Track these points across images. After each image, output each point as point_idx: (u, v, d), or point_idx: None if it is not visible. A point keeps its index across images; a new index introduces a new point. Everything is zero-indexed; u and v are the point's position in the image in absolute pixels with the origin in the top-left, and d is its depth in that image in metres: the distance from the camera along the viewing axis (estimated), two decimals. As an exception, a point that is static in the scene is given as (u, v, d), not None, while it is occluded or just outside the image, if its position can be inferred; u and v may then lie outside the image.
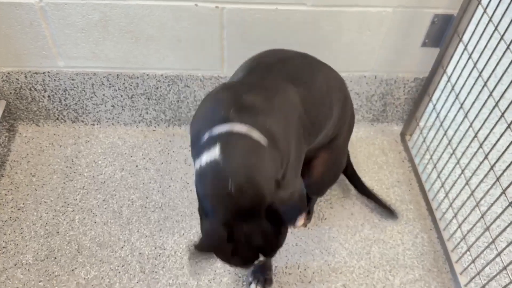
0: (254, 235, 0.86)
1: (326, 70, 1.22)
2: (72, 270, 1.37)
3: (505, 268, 1.17)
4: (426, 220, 1.56)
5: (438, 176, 1.51)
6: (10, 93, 1.63)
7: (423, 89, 1.59)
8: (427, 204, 1.58)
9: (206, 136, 0.89)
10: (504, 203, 1.16)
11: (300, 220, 1.23)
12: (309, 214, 1.52)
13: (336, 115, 1.23)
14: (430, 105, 1.62)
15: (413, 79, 1.65)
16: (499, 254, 1.19)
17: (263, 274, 1.36)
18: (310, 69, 1.16)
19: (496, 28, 1.19)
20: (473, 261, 1.31)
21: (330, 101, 1.18)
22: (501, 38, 1.16)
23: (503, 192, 1.16)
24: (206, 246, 0.88)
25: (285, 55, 1.18)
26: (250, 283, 1.35)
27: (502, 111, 1.15)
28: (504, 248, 1.18)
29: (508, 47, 1.12)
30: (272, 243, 0.90)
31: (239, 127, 0.88)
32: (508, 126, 1.11)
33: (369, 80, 1.65)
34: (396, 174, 1.69)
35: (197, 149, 0.91)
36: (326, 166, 1.36)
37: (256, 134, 0.89)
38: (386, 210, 1.56)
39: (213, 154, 0.85)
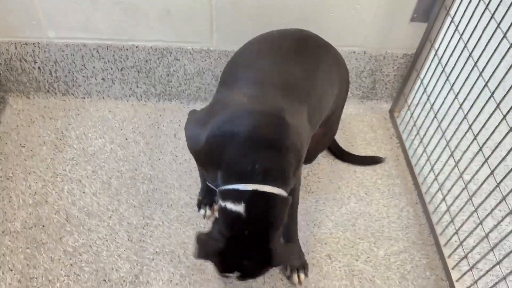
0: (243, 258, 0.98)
1: (329, 51, 1.26)
2: (60, 238, 1.38)
3: (486, 237, 1.19)
4: (412, 194, 1.58)
5: (424, 151, 1.53)
6: (0, 64, 1.63)
7: (412, 65, 1.60)
8: (413, 178, 1.59)
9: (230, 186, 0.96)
10: (487, 171, 1.17)
11: (301, 276, 1.31)
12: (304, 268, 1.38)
13: (337, 95, 1.27)
14: (419, 81, 1.63)
15: (402, 55, 1.66)
16: (480, 223, 1.21)
17: (299, 258, 1.33)
18: (314, 56, 1.18)
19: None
20: (456, 232, 1.33)
21: (332, 84, 1.22)
22: (492, 16, 1.17)
23: (485, 161, 1.17)
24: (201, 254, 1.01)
25: (282, 43, 1.20)
26: (289, 277, 1.32)
27: (491, 90, 1.17)
28: (484, 218, 1.20)
29: (494, 19, 1.13)
30: (252, 272, 1.02)
31: (265, 188, 0.94)
32: (498, 106, 1.12)
33: (358, 56, 1.66)
34: (384, 150, 1.71)
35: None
36: (319, 140, 1.39)
37: (277, 191, 0.95)
38: (371, 162, 1.65)
39: (238, 208, 0.94)
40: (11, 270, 1.30)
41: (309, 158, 1.55)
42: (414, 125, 1.60)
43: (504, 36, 1.10)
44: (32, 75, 1.68)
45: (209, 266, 1.34)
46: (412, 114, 1.63)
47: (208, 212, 1.44)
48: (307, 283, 1.33)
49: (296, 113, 1.03)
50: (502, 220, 1.13)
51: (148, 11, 1.48)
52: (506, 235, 1.09)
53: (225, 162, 0.96)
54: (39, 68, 1.65)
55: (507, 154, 1.08)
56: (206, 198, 1.44)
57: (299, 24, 1.26)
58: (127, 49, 1.60)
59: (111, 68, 1.66)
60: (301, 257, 1.34)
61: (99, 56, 1.62)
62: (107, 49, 1.59)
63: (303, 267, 1.32)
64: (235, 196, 0.93)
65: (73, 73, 1.67)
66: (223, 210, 0.96)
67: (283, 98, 1.03)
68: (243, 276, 1.02)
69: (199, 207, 1.46)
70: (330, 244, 1.43)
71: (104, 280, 1.31)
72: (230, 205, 0.93)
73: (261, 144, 0.93)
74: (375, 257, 1.41)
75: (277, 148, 0.94)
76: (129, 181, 1.54)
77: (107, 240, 1.39)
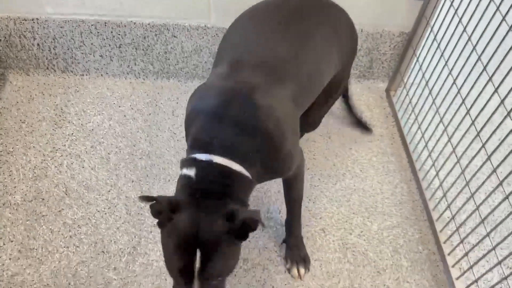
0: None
1: (330, 13, 1.22)
2: (59, 211, 1.41)
3: (476, 209, 1.21)
4: (406, 171, 1.60)
5: (419, 128, 1.55)
6: (0, 40, 1.64)
7: (407, 43, 1.61)
8: (408, 156, 1.61)
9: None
10: (479, 145, 1.19)
11: (301, 270, 1.31)
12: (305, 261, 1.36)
13: (341, 59, 1.23)
14: (415, 59, 1.64)
15: (399, 34, 1.67)
16: (471, 197, 1.23)
17: (299, 251, 1.33)
18: (309, 25, 1.13)
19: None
20: (448, 207, 1.35)
21: (331, 53, 1.18)
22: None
23: (477, 134, 1.19)
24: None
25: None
26: (289, 270, 1.32)
27: (484, 64, 1.18)
28: (474, 192, 1.22)
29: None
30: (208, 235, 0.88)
31: (219, 160, 0.92)
32: (490, 79, 1.14)
33: (355, 34, 1.67)
34: (380, 129, 1.72)
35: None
36: (321, 103, 1.36)
37: (234, 165, 0.93)
38: (361, 126, 1.70)
39: (190, 172, 0.93)
40: (11, 241, 1.33)
41: (313, 124, 1.51)
42: (410, 103, 1.62)
43: (497, 9, 1.11)
44: (31, 52, 1.69)
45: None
46: (408, 92, 1.65)
47: None
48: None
49: (273, 93, 1.00)
50: (491, 193, 1.16)
51: (146, -13, 1.49)
52: (495, 208, 1.11)
53: (191, 136, 0.97)
54: (38, 44, 1.66)
55: (496, 128, 1.09)
56: None
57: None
58: (125, 26, 1.61)
59: (109, 45, 1.67)
60: (302, 250, 1.34)
61: (97, 32, 1.63)
62: (105, 25, 1.60)
63: (304, 260, 1.32)
64: (190, 163, 0.93)
65: (72, 50, 1.69)
66: (180, 178, 0.96)
67: (260, 77, 1.00)
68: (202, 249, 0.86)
69: None
70: (324, 219, 1.46)
71: (103, 251, 1.34)
72: (185, 171, 0.94)
73: (223, 120, 0.93)
74: (368, 231, 1.44)
75: (241, 126, 0.93)
76: (127, 156, 1.56)
77: (105, 213, 1.42)
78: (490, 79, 1.13)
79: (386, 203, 1.51)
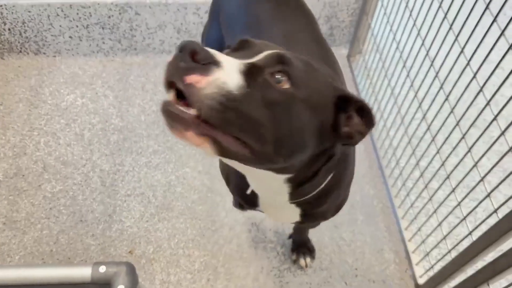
0: None
1: None
2: (39, 185, 1.52)
3: (417, 163, 1.31)
4: (364, 133, 1.69)
5: (373, 91, 1.63)
6: (-29, 27, 1.71)
7: (362, 9, 1.67)
8: (365, 118, 1.70)
9: None
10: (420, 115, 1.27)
11: (307, 260, 1.36)
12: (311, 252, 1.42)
13: None
14: (372, 24, 1.71)
15: (355, 1, 1.73)
16: (413, 153, 1.34)
17: (306, 245, 1.39)
18: None
19: None
20: (396, 164, 1.46)
21: None
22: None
23: (419, 106, 1.28)
24: None
25: None
26: (295, 261, 1.40)
27: (418, 28, 1.25)
28: (422, 156, 1.32)
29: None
30: None
31: None
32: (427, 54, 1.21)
33: (313, 3, 1.73)
34: (341, 93, 1.81)
35: None
36: None
37: None
38: None
39: None
40: (-4, 215, 1.45)
41: None
42: (365, 68, 1.70)
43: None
44: (3, 37, 1.76)
45: (176, 205, 1.48)
46: (364, 58, 1.73)
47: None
48: (276, 237, 1.47)
49: None
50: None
51: (105, -32, 1.55)
52: (431, 160, 1.22)
53: None
54: (9, 29, 1.73)
55: (436, 95, 1.18)
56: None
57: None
58: (89, 7, 1.67)
59: (77, 26, 1.74)
60: (307, 243, 1.40)
61: (64, 14, 1.69)
62: (71, 7, 1.67)
63: (310, 250, 1.40)
64: None
65: (42, 33, 1.76)
66: None
67: None
68: None
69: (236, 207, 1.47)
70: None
71: (81, 220, 1.45)
72: None
73: None
74: (327, 190, 1.55)
75: None
76: (100, 132, 1.66)
77: (82, 186, 1.52)
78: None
79: (344, 163, 1.61)
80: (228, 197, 1.50)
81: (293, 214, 0.89)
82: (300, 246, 1.40)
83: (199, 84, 0.51)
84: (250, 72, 0.57)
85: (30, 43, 1.79)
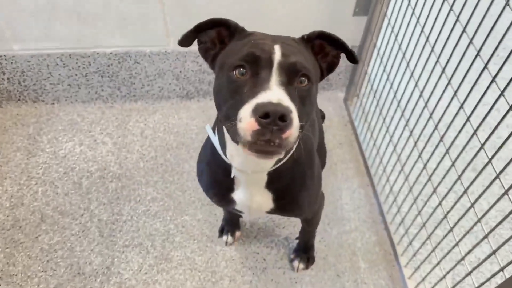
0: None
1: None
2: (36, 237, 1.49)
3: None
4: (364, 177, 1.69)
5: (371, 136, 1.64)
6: (-30, 76, 1.72)
7: (358, 56, 1.70)
8: (364, 162, 1.71)
9: None
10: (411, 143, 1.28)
11: (300, 265, 1.42)
12: (308, 261, 1.47)
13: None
14: (369, 71, 1.73)
15: (351, 47, 1.75)
16: (414, 202, 1.33)
17: (306, 253, 1.44)
18: None
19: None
20: (398, 211, 1.45)
21: None
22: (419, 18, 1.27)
23: (410, 135, 1.28)
24: None
25: None
26: (292, 260, 1.45)
27: (411, 70, 1.27)
28: (413, 185, 1.32)
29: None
30: None
31: None
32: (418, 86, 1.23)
33: (309, 50, 1.76)
34: (339, 137, 1.82)
35: None
36: None
37: None
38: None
39: None
40: (-9, 269, 1.42)
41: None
42: (363, 112, 1.71)
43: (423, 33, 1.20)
44: (2, 86, 1.77)
45: (175, 255, 1.46)
46: (361, 102, 1.74)
47: (230, 239, 1.49)
48: (271, 263, 1.45)
49: None
50: (425, 185, 1.25)
51: (105, 19, 1.57)
52: (427, 200, 1.21)
53: None
54: (8, 79, 1.74)
55: (429, 138, 1.19)
56: (228, 225, 1.49)
57: (247, 22, 1.34)
58: (89, 56, 1.69)
59: (76, 75, 1.75)
60: (309, 252, 1.45)
61: (63, 64, 1.71)
62: (70, 57, 1.68)
63: (308, 259, 1.44)
64: None
65: (41, 81, 1.77)
66: None
67: None
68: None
69: (221, 234, 1.51)
70: (287, 228, 1.55)
71: (79, 273, 1.42)
72: None
73: None
74: (329, 236, 1.53)
75: None
76: (99, 180, 1.64)
77: (80, 237, 1.50)
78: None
79: (345, 208, 1.60)
80: (228, 247, 1.48)
81: (267, 200, 1.01)
82: (303, 251, 1.44)
83: (291, 135, 0.68)
84: (291, 93, 0.72)
85: (29, 91, 1.80)
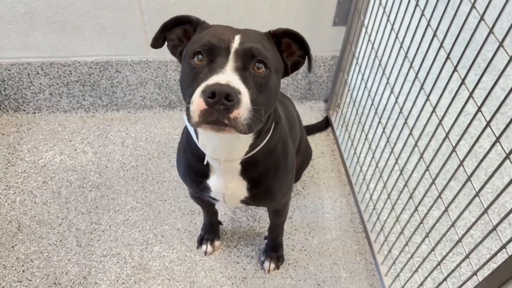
0: None
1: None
2: (13, 246, 1.47)
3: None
4: (345, 186, 1.69)
5: (352, 145, 1.64)
6: (-50, 85, 1.71)
7: (337, 66, 1.71)
8: (346, 171, 1.71)
9: None
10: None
11: (271, 265, 1.42)
12: (278, 260, 1.47)
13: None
14: (349, 80, 1.74)
15: (331, 57, 1.77)
16: (392, 209, 1.33)
17: (276, 252, 1.44)
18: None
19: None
20: (377, 219, 1.44)
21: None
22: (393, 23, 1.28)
23: (386, 141, 1.29)
24: None
25: None
26: (263, 262, 1.45)
27: (389, 82, 1.28)
28: (390, 192, 1.32)
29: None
30: None
31: None
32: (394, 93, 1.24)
33: (291, 59, 1.77)
34: (321, 146, 1.82)
35: None
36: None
37: None
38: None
39: None
40: (-36, 280, 1.38)
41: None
42: (343, 121, 1.72)
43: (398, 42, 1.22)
44: (-18, 94, 1.76)
45: (153, 265, 1.44)
46: (342, 111, 1.75)
47: (209, 248, 1.47)
48: (250, 273, 1.43)
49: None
50: (401, 191, 1.25)
51: (84, 28, 1.57)
52: (404, 206, 1.21)
53: None
54: (-12, 87, 1.73)
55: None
56: (208, 234, 1.48)
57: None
58: (69, 65, 1.69)
59: (57, 84, 1.75)
60: (279, 251, 1.45)
61: (44, 73, 1.70)
62: (51, 66, 1.68)
63: (278, 259, 1.44)
64: None
65: (21, 91, 1.76)
66: None
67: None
68: None
69: (200, 243, 1.49)
70: (267, 237, 1.53)
71: (55, 283, 1.39)
72: None
73: None
74: (310, 246, 1.52)
75: None
76: (78, 189, 1.63)
77: (57, 246, 1.48)
78: (396, 101, 1.24)
79: (326, 217, 1.59)
80: (207, 257, 1.46)
81: (241, 188, 1.03)
82: (272, 250, 1.45)
83: (239, 115, 0.71)
84: (246, 78, 0.75)
85: (10, 101, 1.79)
